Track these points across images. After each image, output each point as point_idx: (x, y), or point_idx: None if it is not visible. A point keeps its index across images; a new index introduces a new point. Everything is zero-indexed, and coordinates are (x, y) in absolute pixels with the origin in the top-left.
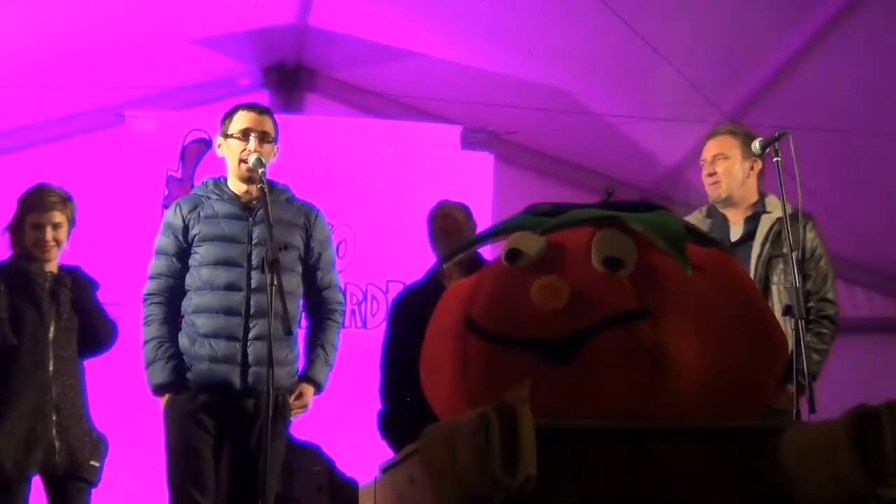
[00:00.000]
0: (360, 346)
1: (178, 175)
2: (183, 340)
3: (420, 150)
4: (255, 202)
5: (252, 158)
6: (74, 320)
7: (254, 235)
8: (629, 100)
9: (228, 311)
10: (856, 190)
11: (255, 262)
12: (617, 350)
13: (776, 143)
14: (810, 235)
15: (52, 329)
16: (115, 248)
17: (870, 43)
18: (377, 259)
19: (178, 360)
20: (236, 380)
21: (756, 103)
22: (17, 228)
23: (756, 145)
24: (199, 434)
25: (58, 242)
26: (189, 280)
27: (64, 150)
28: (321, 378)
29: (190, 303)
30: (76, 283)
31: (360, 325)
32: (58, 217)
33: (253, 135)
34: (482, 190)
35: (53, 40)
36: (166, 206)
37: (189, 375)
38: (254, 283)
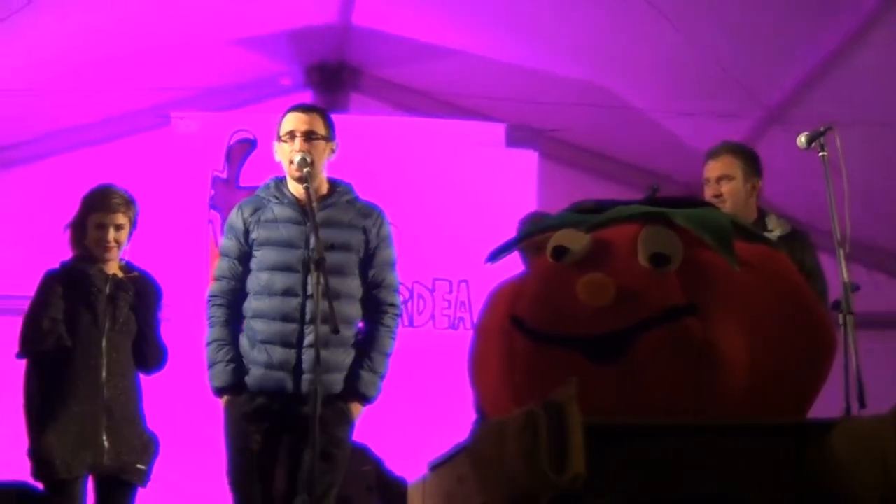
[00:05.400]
0: (406, 345)
1: (224, 175)
2: (244, 343)
3: (464, 147)
4: (314, 204)
5: (297, 158)
6: (132, 323)
7: (311, 240)
8: (672, 96)
9: (285, 317)
10: None
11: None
12: (665, 347)
13: (822, 138)
14: (808, 255)
15: (106, 331)
16: (163, 249)
17: None
18: (423, 257)
19: (237, 363)
20: (290, 386)
21: (800, 97)
22: (79, 227)
23: (802, 140)
24: (254, 436)
25: (118, 244)
26: (249, 283)
27: (110, 151)
28: (367, 390)
29: (249, 306)
30: (140, 292)
31: (406, 323)
32: (121, 219)
33: (298, 135)
34: (526, 187)
35: (97, 43)
36: (213, 207)
37: (247, 379)
38: (309, 289)
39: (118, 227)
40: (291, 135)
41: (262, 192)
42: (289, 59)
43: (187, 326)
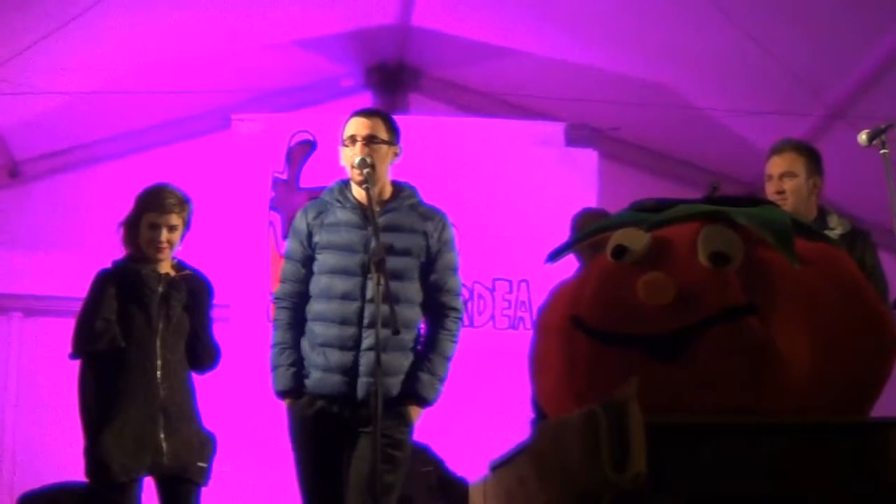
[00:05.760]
0: (467, 345)
1: (285, 177)
2: (304, 346)
3: (524, 147)
4: (376, 208)
5: (356, 160)
6: (185, 323)
7: (371, 243)
8: (732, 94)
9: (343, 321)
10: None
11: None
12: (725, 346)
13: (883, 135)
14: (868, 253)
15: (159, 331)
16: (224, 250)
17: None
18: (483, 257)
19: (298, 367)
20: (346, 389)
21: (861, 95)
22: (132, 225)
23: (863, 137)
24: (314, 440)
25: (171, 244)
26: (312, 286)
27: (171, 154)
28: (426, 393)
29: (311, 309)
30: (192, 291)
31: (467, 323)
32: (174, 220)
33: (359, 139)
34: (586, 187)
35: (158, 47)
36: (273, 208)
37: (307, 382)
38: (368, 293)
39: (171, 228)
40: (353, 139)
41: (327, 196)
42: (348, 61)
43: (249, 327)
